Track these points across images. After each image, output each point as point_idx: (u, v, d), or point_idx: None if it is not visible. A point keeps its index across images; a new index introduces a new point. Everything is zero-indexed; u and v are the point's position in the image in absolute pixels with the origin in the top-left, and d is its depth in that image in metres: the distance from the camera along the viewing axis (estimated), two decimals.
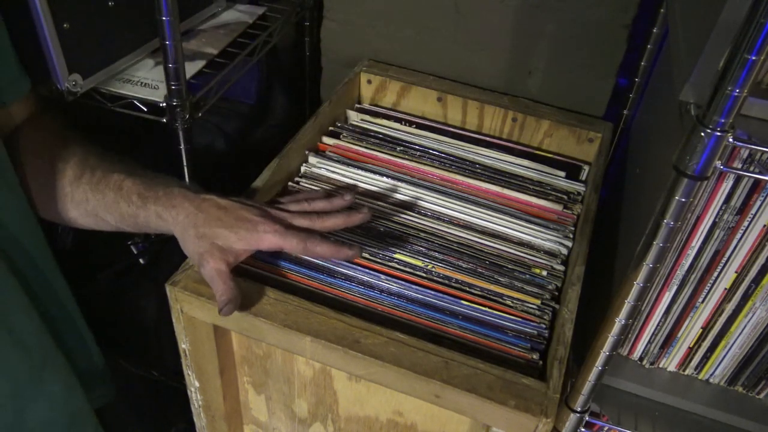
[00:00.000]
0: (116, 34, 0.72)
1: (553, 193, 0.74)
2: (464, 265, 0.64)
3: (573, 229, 0.69)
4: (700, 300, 0.57)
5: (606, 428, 0.64)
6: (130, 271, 0.98)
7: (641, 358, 0.63)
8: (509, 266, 0.65)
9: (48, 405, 0.58)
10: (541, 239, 0.68)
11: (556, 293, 0.63)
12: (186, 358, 0.62)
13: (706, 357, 0.61)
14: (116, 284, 0.98)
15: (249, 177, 0.68)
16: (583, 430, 0.57)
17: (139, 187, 0.57)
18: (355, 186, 0.72)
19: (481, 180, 0.74)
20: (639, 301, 0.46)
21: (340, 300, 0.60)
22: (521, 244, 0.67)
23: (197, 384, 0.65)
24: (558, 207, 0.72)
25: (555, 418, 0.50)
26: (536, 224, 0.69)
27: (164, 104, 0.68)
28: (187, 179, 0.73)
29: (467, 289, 0.62)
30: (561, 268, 0.65)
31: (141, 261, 0.99)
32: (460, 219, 0.70)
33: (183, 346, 0.61)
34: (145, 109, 0.71)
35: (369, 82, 0.89)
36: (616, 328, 0.48)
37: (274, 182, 0.69)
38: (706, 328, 0.59)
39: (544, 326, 0.59)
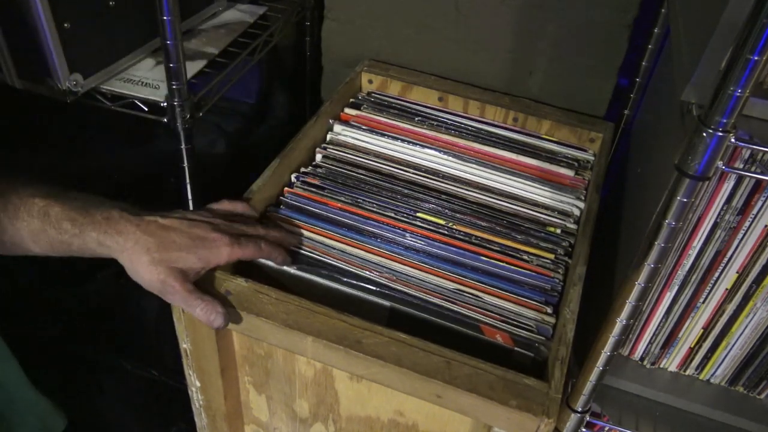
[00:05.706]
0: (117, 33, 0.72)
1: (565, 160, 0.78)
2: (483, 224, 0.68)
3: (584, 192, 0.73)
4: (701, 300, 0.57)
5: (607, 428, 0.64)
6: None
7: (642, 359, 0.63)
8: (525, 225, 0.68)
9: None
10: (555, 200, 0.72)
11: (570, 248, 0.67)
12: (187, 358, 0.62)
13: (707, 357, 0.61)
14: (116, 284, 0.98)
15: (249, 177, 0.68)
16: (584, 430, 0.57)
17: (69, 212, 0.52)
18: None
19: (497, 147, 0.78)
20: (640, 302, 0.46)
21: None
22: (536, 204, 0.71)
23: (198, 384, 0.65)
24: (570, 172, 0.76)
25: (556, 418, 0.50)
26: (550, 187, 0.73)
27: (165, 104, 0.68)
28: (187, 179, 0.73)
29: (486, 245, 0.65)
30: (573, 226, 0.69)
31: None
32: (479, 182, 0.73)
33: (184, 345, 0.61)
34: (146, 109, 0.71)
35: (370, 81, 0.89)
36: (617, 329, 0.48)
37: (274, 181, 0.69)
38: (707, 329, 0.59)
39: (557, 280, 0.62)
